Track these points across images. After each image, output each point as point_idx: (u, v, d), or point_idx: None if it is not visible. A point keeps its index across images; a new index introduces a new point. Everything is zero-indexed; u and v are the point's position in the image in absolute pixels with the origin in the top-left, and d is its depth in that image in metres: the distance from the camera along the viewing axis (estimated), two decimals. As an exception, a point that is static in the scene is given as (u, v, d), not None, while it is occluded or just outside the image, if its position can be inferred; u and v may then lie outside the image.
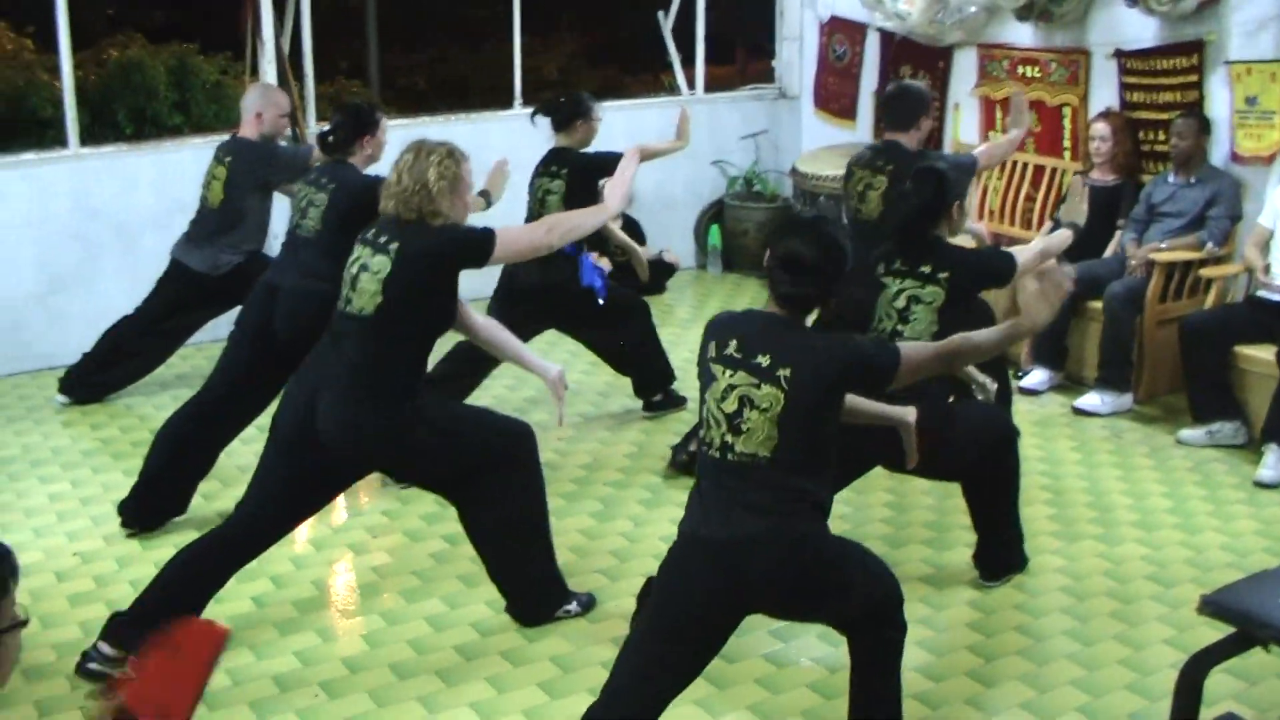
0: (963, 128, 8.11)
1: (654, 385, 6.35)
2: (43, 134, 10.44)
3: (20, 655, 2.20)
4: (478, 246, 4.12)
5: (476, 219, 4.34)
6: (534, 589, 4.40)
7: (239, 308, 5.45)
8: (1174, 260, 6.36)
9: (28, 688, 3.98)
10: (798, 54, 9.45)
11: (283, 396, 4.19)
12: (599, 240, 6.43)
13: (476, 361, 5.72)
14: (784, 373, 3.21)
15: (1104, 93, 7.23)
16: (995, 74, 7.85)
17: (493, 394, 6.34)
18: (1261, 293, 6.01)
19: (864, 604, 3.39)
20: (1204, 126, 6.51)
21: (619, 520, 5.24)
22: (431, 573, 4.80)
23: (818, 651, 4.19)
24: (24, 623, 2.13)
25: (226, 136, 6.34)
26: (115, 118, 11.34)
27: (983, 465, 4.51)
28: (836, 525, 4.96)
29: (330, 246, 4.85)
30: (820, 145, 9.01)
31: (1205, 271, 6.37)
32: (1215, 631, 3.47)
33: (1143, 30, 6.95)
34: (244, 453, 5.34)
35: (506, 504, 4.25)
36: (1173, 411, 6.31)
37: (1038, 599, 4.60)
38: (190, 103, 11.83)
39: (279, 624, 4.42)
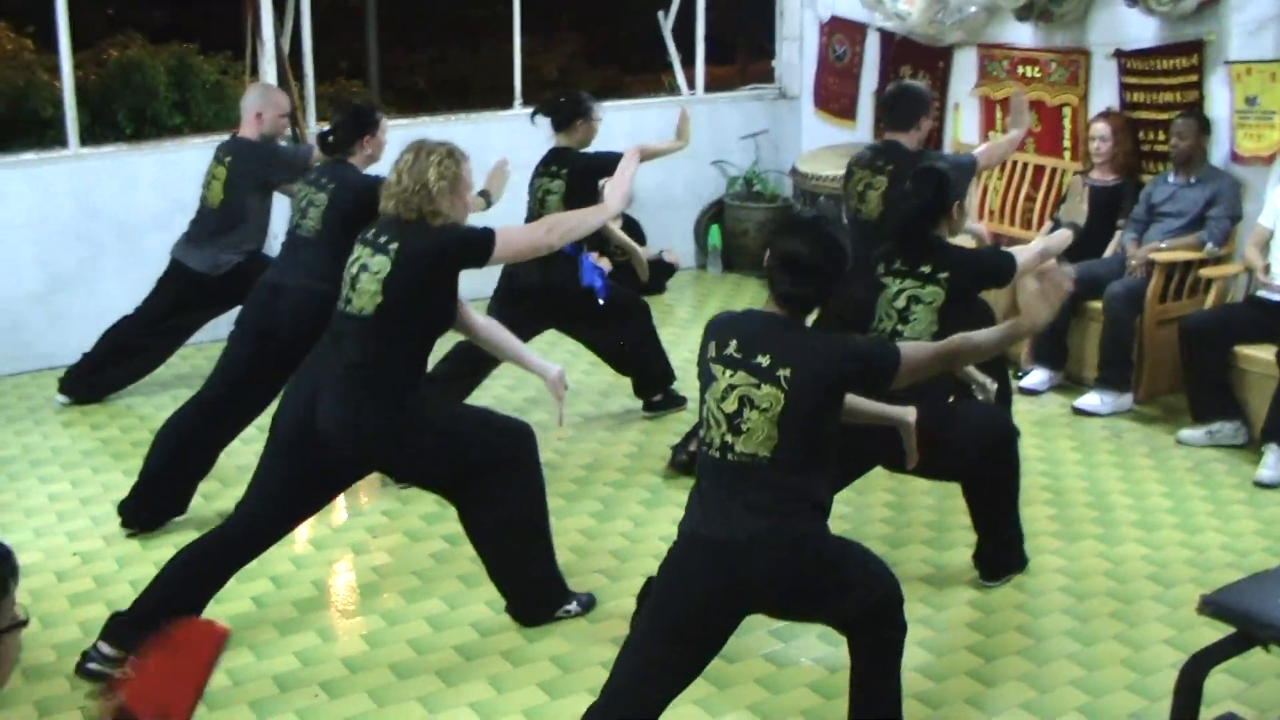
0: (963, 128, 8.11)
1: (654, 385, 6.35)
2: (43, 134, 10.44)
3: (20, 655, 2.20)
4: (478, 246, 4.12)
5: (476, 219, 4.34)
6: (534, 589, 4.40)
7: (239, 308, 5.45)
8: (1174, 260, 6.36)
9: (28, 688, 3.99)
10: (798, 54, 9.45)
11: (283, 396, 4.20)
12: (599, 240, 6.43)
13: (476, 362, 5.72)
14: (784, 373, 3.21)
15: (1104, 93, 7.22)
16: (995, 74, 7.85)
17: (493, 394, 6.34)
18: (1261, 293, 6.01)
19: (864, 604, 3.39)
20: (1204, 126, 6.51)
21: (619, 520, 5.24)
22: (431, 573, 4.80)
23: (818, 651, 4.19)
24: (24, 623, 2.13)
25: (226, 136, 6.34)
26: (115, 118, 11.34)
27: (983, 465, 4.51)
28: (836, 525, 4.96)
29: (331, 246, 4.85)
30: (820, 145, 9.02)
31: (1205, 271, 6.37)
32: (1215, 631, 3.47)
33: (1143, 30, 6.95)
34: (244, 453, 5.34)
35: (506, 504, 4.25)
36: (1173, 411, 6.31)
37: (1038, 599, 4.60)
38: (190, 103, 11.83)
39: (279, 624, 4.42)
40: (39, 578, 4.69)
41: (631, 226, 8.43)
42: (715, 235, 9.18)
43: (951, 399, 4.49)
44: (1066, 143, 7.47)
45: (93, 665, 3.97)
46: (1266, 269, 6.03)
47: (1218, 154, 6.62)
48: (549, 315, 6.04)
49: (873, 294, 4.45)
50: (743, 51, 14.16)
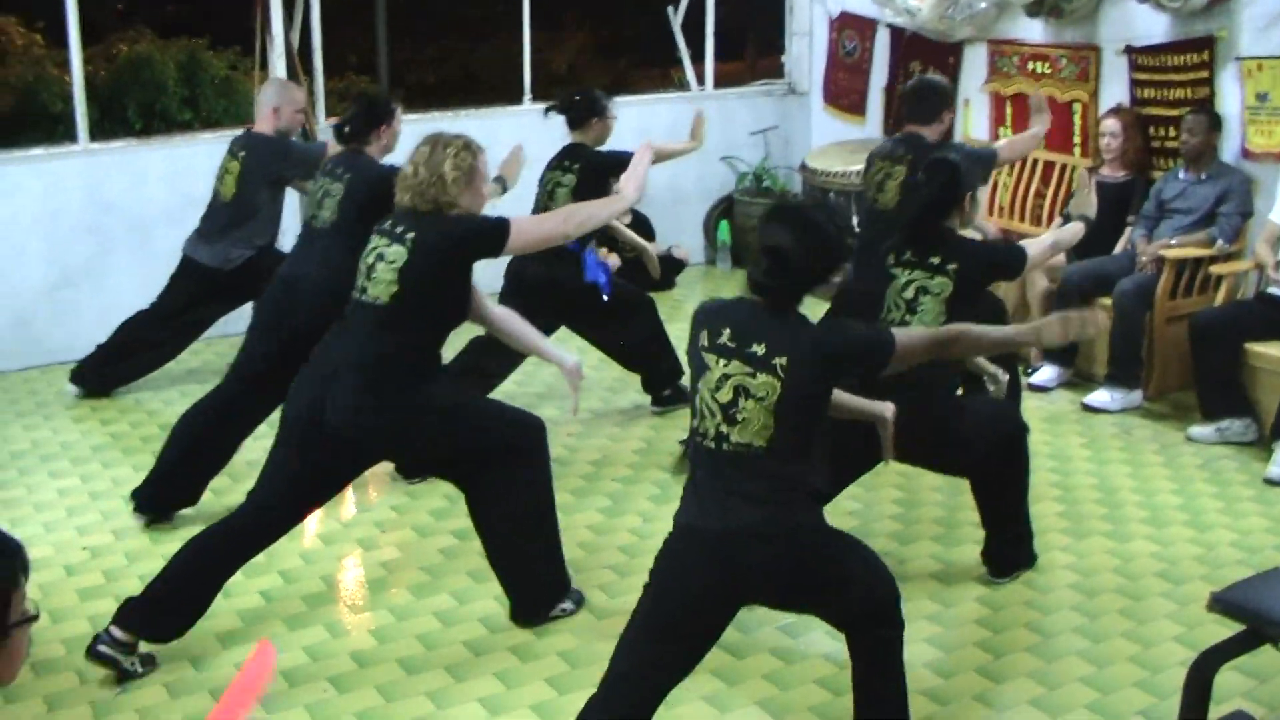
0: (973, 124, 8.09)
1: (663, 381, 6.35)
2: (53, 129, 10.46)
3: (30, 650, 2.20)
4: (493, 235, 4.13)
5: (492, 205, 4.34)
6: (535, 585, 4.38)
7: (253, 303, 5.45)
8: (1184, 257, 6.34)
9: (37, 682, 3.99)
10: (807, 50, 9.44)
11: (292, 387, 4.19)
12: (607, 237, 6.44)
13: (491, 358, 5.74)
14: (780, 361, 3.17)
15: (1114, 89, 7.21)
16: (1005, 70, 7.83)
17: (501, 389, 6.32)
18: (1272, 289, 5.99)
19: (864, 602, 3.37)
20: (1215, 123, 6.49)
21: (628, 516, 5.24)
22: (440, 568, 4.80)
23: (827, 647, 4.18)
24: (34, 617, 2.13)
25: (236, 131, 6.36)
26: (125, 113, 11.37)
27: (992, 461, 4.50)
28: (845, 522, 5.00)
29: (347, 237, 4.86)
30: (830, 141, 9.02)
31: (1215, 268, 6.36)
32: (1225, 629, 3.46)
33: (1153, 26, 6.94)
34: (254, 448, 5.33)
35: (512, 497, 4.24)
36: (1182, 408, 6.30)
37: (1047, 596, 4.59)
38: (199, 98, 11.85)
39: (288, 619, 4.43)
40: (49, 572, 4.70)
41: (641, 222, 8.42)
42: (725, 231, 9.18)
43: (960, 391, 4.48)
44: (1076, 139, 7.46)
45: (103, 648, 3.98)
46: (1277, 266, 6.01)
47: (1228, 150, 6.61)
48: (555, 311, 6.04)
49: (882, 284, 4.45)
50: (752, 47, 14.14)
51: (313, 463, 4.12)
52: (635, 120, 8.01)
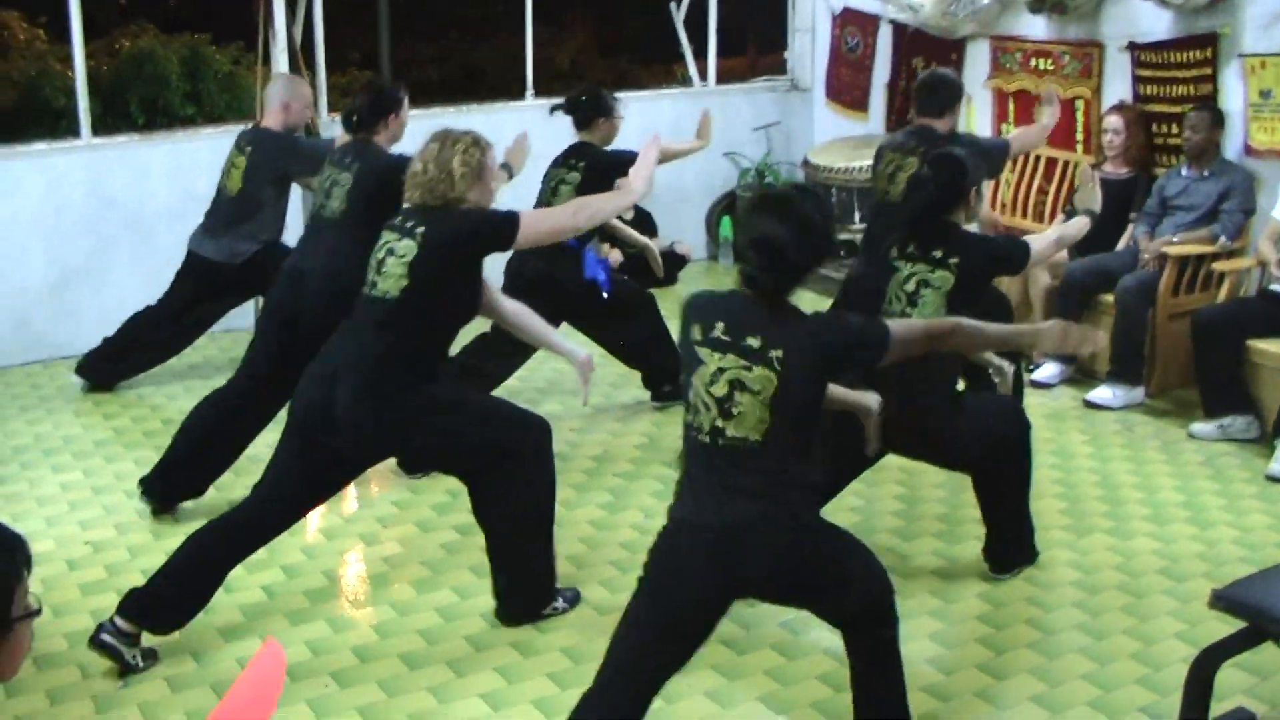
0: (975, 120, 8.09)
1: (664, 378, 6.35)
2: (55, 124, 10.47)
3: (32, 644, 2.20)
4: (503, 228, 4.14)
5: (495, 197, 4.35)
6: (530, 584, 4.38)
7: (261, 298, 5.45)
8: (1187, 254, 6.34)
9: (39, 676, 4.00)
10: (810, 46, 9.44)
11: (300, 382, 4.19)
12: (610, 234, 6.44)
13: (494, 358, 5.75)
14: (776, 354, 3.15)
15: (1117, 85, 7.21)
16: (1008, 66, 7.83)
17: (503, 385, 6.33)
18: (1274, 286, 5.99)
19: (860, 600, 3.36)
20: (1217, 120, 6.49)
21: (629, 511, 5.24)
22: (442, 563, 4.81)
23: (828, 642, 4.17)
24: (37, 612, 2.13)
25: (239, 127, 6.36)
26: (127, 108, 11.37)
27: (994, 458, 4.50)
28: (847, 519, 5.00)
29: (355, 228, 4.87)
30: (832, 137, 9.01)
31: (1218, 265, 6.35)
32: (1227, 626, 3.45)
33: (1156, 23, 6.94)
34: (256, 442, 5.34)
35: (515, 496, 4.24)
36: (1185, 405, 6.29)
37: (1049, 593, 4.59)
38: (202, 93, 11.85)
39: (290, 614, 4.43)
40: (51, 566, 4.71)
41: (643, 219, 8.43)
42: (727, 227, 9.18)
43: (964, 386, 4.48)
44: (1079, 135, 7.46)
45: (106, 637, 3.99)
46: (1279, 263, 6.01)
47: (1231, 147, 6.60)
48: (555, 308, 6.02)
49: (885, 277, 4.45)
50: (754, 43, 14.14)
51: (318, 458, 4.12)
52: (637, 117, 7.98)
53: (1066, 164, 7.50)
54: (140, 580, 4.16)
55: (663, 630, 3.29)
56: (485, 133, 4.25)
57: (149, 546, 4.90)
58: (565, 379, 6.78)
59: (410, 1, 15.86)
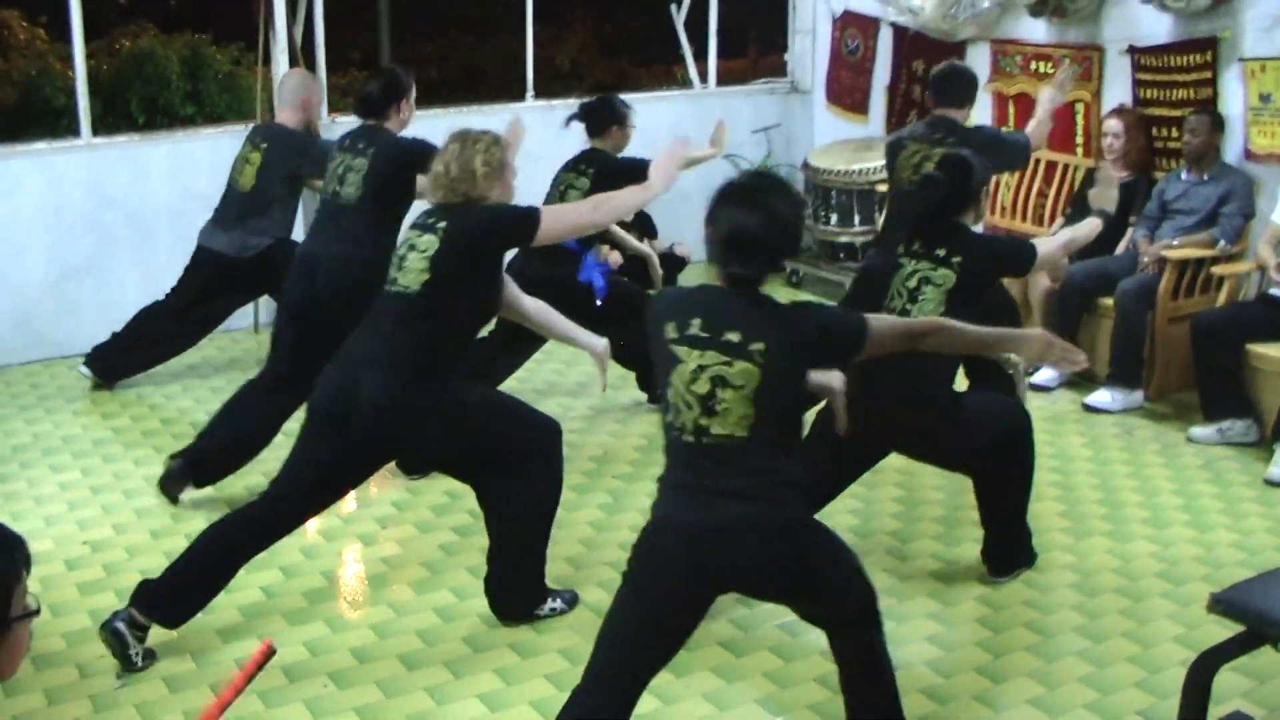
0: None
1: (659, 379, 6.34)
2: (55, 123, 10.48)
3: (31, 644, 2.20)
4: (524, 222, 4.18)
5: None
6: (528, 583, 4.38)
7: (266, 296, 5.45)
8: (1186, 257, 6.34)
9: (37, 676, 3.99)
10: (810, 48, 9.43)
11: (320, 379, 4.18)
12: (613, 240, 6.43)
13: (495, 360, 5.75)
14: (758, 347, 3.12)
15: (1117, 89, 7.21)
16: (1008, 69, 7.83)
17: (503, 386, 6.33)
18: (1274, 290, 5.99)
19: (846, 603, 3.35)
20: (1217, 123, 6.49)
21: (629, 513, 5.24)
22: (441, 564, 4.81)
23: (826, 644, 4.16)
24: (35, 612, 2.13)
25: (239, 127, 6.37)
26: (128, 107, 11.38)
27: (996, 458, 4.49)
28: (845, 520, 5.00)
29: (370, 212, 4.90)
30: (832, 140, 9.01)
31: (1218, 269, 6.35)
32: (1225, 629, 3.46)
33: (1157, 26, 6.94)
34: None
35: (523, 496, 4.23)
36: (1184, 409, 6.29)
37: (1047, 595, 4.59)
38: (202, 93, 11.87)
39: (288, 614, 4.43)
40: (49, 566, 4.70)
41: (644, 220, 8.42)
42: (726, 229, 9.15)
43: (969, 385, 4.47)
44: (1079, 139, 7.46)
45: (119, 625, 3.99)
46: (1279, 267, 6.01)
47: (1231, 151, 6.60)
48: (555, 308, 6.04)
49: (891, 272, 4.47)
50: (755, 45, 14.15)
51: (336, 453, 4.11)
52: (637, 118, 7.99)
53: (1066, 167, 7.50)
54: (139, 579, 4.16)
55: (647, 627, 3.26)
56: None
57: (147, 546, 4.90)
58: (565, 380, 6.78)
59: (410, 1, 15.87)
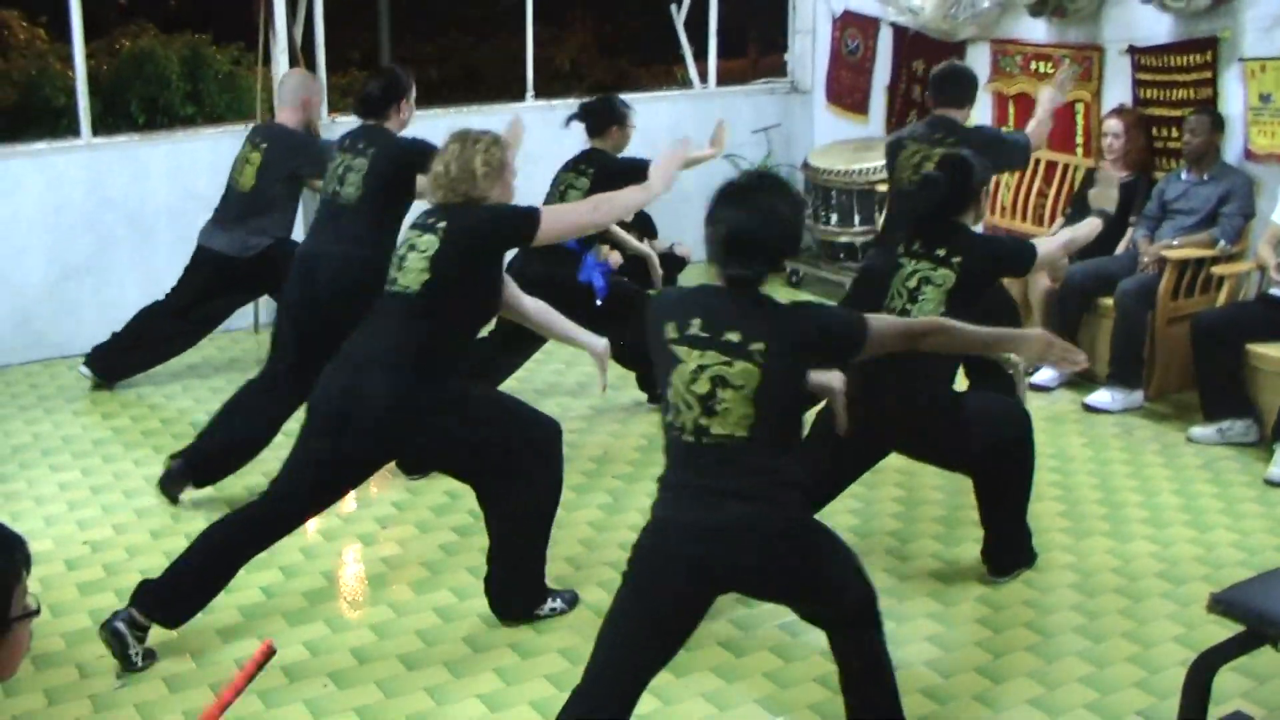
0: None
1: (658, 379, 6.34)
2: (55, 123, 10.48)
3: (31, 643, 2.20)
4: (525, 222, 4.18)
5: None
6: (528, 583, 4.38)
7: (266, 296, 5.45)
8: (1186, 257, 6.34)
9: (37, 676, 3.99)
10: (810, 48, 9.43)
11: (320, 379, 4.18)
12: (613, 240, 6.43)
13: (510, 353, 5.76)
14: (757, 347, 3.12)
15: (1117, 89, 7.21)
16: (1008, 69, 7.83)
17: (503, 386, 6.33)
18: (1274, 290, 5.99)
19: (846, 602, 3.34)
20: (1217, 123, 6.49)
21: (629, 513, 5.24)
22: (441, 564, 4.81)
23: (826, 644, 4.17)
24: (35, 612, 2.13)
25: (239, 127, 6.36)
26: (128, 107, 11.38)
27: (996, 458, 4.49)
28: (845, 520, 5.00)
29: (370, 211, 4.90)
30: (832, 139, 9.01)
31: (1218, 269, 6.35)
32: (1224, 629, 3.46)
33: (1157, 26, 6.94)
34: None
35: (522, 497, 4.23)
36: (1184, 409, 6.29)
37: (1047, 595, 4.59)
38: (202, 93, 11.87)
39: (288, 614, 4.43)
40: (49, 566, 4.70)
41: (644, 220, 8.42)
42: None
43: (969, 385, 4.47)
44: (1079, 139, 7.46)
45: (119, 625, 3.99)
46: (1279, 267, 6.01)
47: (1231, 151, 6.60)
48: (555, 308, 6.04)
49: (891, 271, 4.47)
50: (755, 45, 14.15)
51: (337, 454, 4.11)
52: (637, 118, 7.99)
53: (1066, 167, 7.50)
54: (139, 579, 4.16)
55: (647, 627, 3.26)
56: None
57: (147, 546, 4.90)
58: (565, 380, 6.79)
59: (410, 1, 15.86)
